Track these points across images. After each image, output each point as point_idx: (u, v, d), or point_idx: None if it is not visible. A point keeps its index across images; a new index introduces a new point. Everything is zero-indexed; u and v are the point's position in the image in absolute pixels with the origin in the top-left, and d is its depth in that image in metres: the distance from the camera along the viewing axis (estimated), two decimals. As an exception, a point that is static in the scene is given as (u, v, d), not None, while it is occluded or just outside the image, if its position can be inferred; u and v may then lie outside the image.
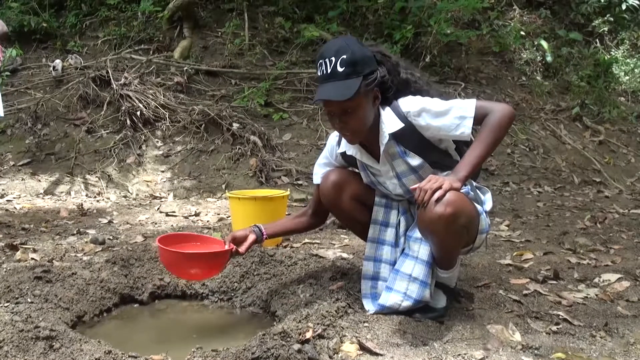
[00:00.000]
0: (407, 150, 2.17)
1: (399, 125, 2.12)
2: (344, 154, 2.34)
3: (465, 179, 1.98)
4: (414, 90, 2.20)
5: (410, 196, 2.26)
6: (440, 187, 1.91)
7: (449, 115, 2.06)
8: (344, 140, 2.29)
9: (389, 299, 2.18)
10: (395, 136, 2.14)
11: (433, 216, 1.92)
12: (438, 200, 1.90)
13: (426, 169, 2.16)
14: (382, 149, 2.16)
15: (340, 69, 2.00)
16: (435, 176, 1.96)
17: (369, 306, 2.24)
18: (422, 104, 2.10)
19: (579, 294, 2.52)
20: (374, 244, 2.36)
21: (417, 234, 2.21)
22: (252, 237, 2.33)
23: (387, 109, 2.16)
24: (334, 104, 2.05)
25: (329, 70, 2.02)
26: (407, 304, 2.15)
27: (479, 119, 2.04)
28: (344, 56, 2.00)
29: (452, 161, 2.16)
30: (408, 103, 2.14)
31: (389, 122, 2.13)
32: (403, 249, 2.29)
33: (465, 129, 2.05)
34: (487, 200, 2.27)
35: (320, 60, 2.05)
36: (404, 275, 2.18)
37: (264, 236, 2.39)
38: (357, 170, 2.40)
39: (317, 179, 2.45)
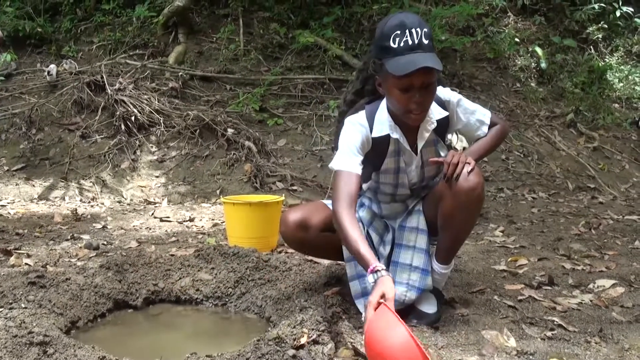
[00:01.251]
0: (440, 140, 2.21)
1: (444, 113, 2.16)
2: (378, 139, 2.15)
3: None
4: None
5: (416, 186, 2.26)
6: (466, 161, 1.99)
7: (474, 115, 2.20)
8: (379, 123, 2.14)
9: None
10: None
11: (470, 185, 1.97)
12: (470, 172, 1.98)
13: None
14: (426, 135, 2.14)
15: (425, 41, 1.96)
16: (455, 152, 2.04)
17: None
18: (458, 96, 2.18)
19: (573, 299, 2.52)
20: (351, 262, 2.23)
21: (411, 223, 2.22)
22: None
23: None
24: (423, 75, 1.93)
25: (416, 41, 1.94)
26: (411, 295, 2.15)
27: (490, 128, 2.22)
28: (426, 30, 1.98)
29: None
30: (446, 92, 2.18)
31: (435, 109, 2.15)
32: (390, 254, 2.28)
33: (481, 133, 2.22)
34: None
35: (400, 30, 1.95)
36: (403, 265, 2.18)
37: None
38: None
39: (354, 166, 2.06)
